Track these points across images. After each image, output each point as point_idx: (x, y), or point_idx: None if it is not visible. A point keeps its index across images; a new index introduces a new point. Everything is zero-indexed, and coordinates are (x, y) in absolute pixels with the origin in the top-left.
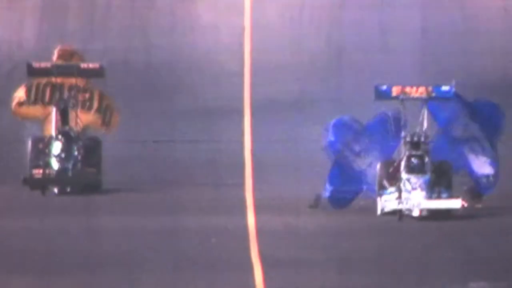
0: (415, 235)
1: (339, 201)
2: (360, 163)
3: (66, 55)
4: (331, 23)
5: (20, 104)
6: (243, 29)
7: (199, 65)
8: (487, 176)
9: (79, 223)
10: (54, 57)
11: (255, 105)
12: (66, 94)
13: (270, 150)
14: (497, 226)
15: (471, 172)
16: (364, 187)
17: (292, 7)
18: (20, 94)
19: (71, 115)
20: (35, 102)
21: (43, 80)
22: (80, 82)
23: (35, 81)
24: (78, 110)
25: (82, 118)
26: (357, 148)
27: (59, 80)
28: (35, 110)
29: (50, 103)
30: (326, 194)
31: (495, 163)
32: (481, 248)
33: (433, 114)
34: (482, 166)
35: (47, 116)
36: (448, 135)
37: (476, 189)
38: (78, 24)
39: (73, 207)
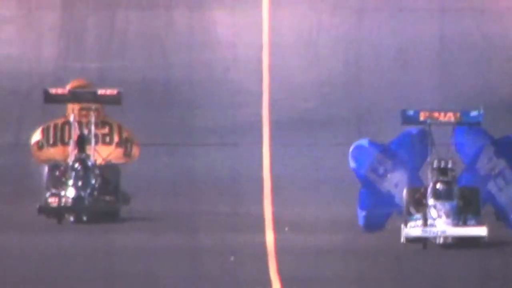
0: (436, 262)
1: (372, 225)
2: (387, 185)
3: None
4: (348, 42)
5: (40, 147)
6: (261, 47)
7: (218, 83)
8: None
9: (94, 242)
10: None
11: (274, 123)
12: (85, 131)
13: (289, 168)
14: None
15: (497, 208)
16: (393, 209)
17: (310, 26)
18: (37, 137)
19: (90, 150)
20: (54, 143)
21: (60, 121)
22: (98, 116)
23: (51, 123)
24: (99, 145)
25: (103, 152)
26: (381, 170)
27: (76, 117)
28: (55, 152)
29: (69, 142)
30: (359, 219)
31: None
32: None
33: (458, 150)
34: (508, 201)
35: (68, 157)
36: (474, 172)
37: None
38: (97, 43)
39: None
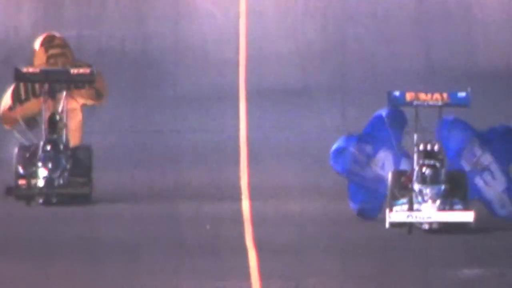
0: (420, 247)
1: (369, 212)
2: (373, 170)
3: (48, 41)
4: (327, 12)
5: (11, 109)
6: (238, 16)
7: (195, 52)
8: (502, 205)
9: (71, 209)
10: (38, 45)
11: (251, 93)
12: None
13: (265, 137)
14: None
15: (485, 201)
16: (385, 192)
17: None
18: (7, 101)
19: (65, 101)
20: (26, 99)
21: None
22: (67, 61)
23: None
24: (72, 90)
25: (78, 98)
26: (363, 158)
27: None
28: (28, 107)
29: (41, 94)
30: (355, 212)
31: (509, 190)
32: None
33: (443, 144)
34: (495, 195)
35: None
36: (459, 166)
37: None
38: (76, 11)
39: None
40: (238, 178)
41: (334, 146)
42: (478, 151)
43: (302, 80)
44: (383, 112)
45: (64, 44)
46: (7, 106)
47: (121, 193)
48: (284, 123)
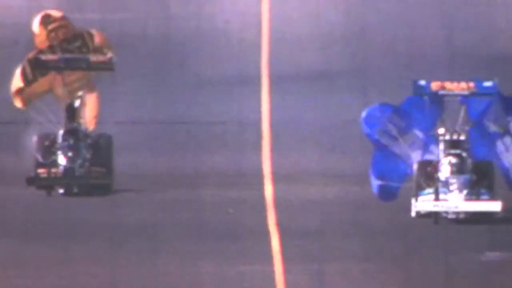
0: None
1: (388, 191)
2: (401, 146)
3: (45, 18)
4: None
5: (22, 89)
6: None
7: (218, 34)
8: None
9: (93, 195)
10: (36, 25)
11: (274, 76)
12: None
13: (288, 120)
14: None
15: (501, 166)
16: (409, 170)
17: None
18: (18, 83)
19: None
20: (34, 79)
21: (32, 54)
22: (67, 32)
23: (25, 61)
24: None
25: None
26: (394, 131)
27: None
28: (40, 86)
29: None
30: (373, 187)
31: None
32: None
33: (467, 108)
34: None
35: (55, 86)
36: (481, 128)
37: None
38: None
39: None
40: (260, 163)
41: (368, 108)
42: (501, 114)
43: (324, 63)
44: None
45: (61, 18)
46: (17, 87)
47: (142, 180)
48: (306, 106)
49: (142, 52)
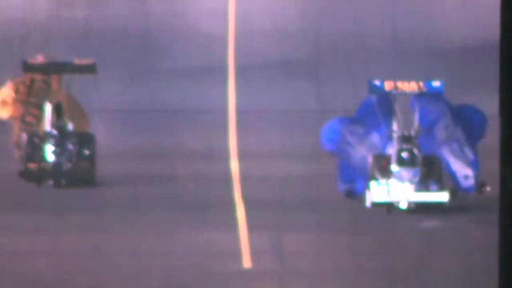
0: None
1: (356, 192)
2: (362, 150)
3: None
4: None
5: (4, 103)
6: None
7: (188, 30)
8: (466, 177)
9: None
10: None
11: (239, 70)
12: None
13: (253, 104)
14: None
15: (450, 173)
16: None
17: None
18: (5, 93)
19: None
20: (26, 99)
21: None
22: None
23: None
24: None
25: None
26: (354, 140)
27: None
28: (16, 110)
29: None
30: (341, 192)
31: (474, 165)
32: None
33: (418, 114)
34: (461, 167)
35: (17, 116)
36: (430, 135)
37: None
38: None
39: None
40: (227, 142)
41: (327, 125)
42: (450, 123)
43: (282, 55)
44: (373, 98)
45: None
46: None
47: (118, 155)
48: (268, 95)
49: (123, 44)
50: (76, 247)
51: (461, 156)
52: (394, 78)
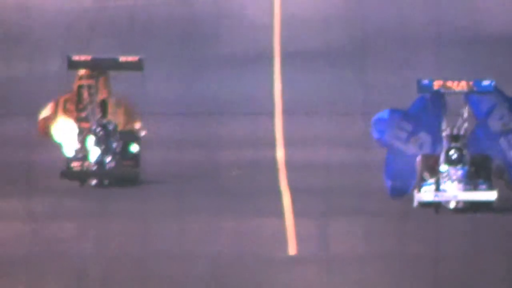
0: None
1: (400, 191)
2: (412, 148)
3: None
4: None
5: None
6: None
7: (234, 17)
8: None
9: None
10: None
11: (285, 57)
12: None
13: (298, 93)
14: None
15: (506, 164)
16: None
17: None
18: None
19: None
20: (77, 115)
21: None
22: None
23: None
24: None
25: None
26: (404, 135)
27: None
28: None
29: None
30: (387, 188)
31: None
32: None
33: (473, 107)
34: None
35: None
36: (486, 127)
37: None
38: None
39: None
40: (273, 129)
41: (378, 114)
42: (505, 114)
43: (327, 43)
44: (427, 95)
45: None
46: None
47: (165, 143)
48: (313, 81)
49: (168, 31)
50: (124, 234)
51: None
52: (438, 66)
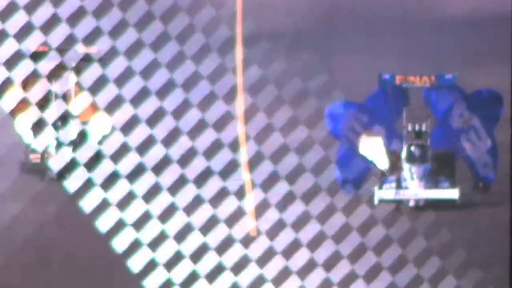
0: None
1: (352, 184)
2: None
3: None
4: None
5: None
6: None
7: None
8: (485, 165)
9: None
10: None
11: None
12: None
13: (258, 73)
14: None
15: (469, 162)
16: (371, 164)
17: None
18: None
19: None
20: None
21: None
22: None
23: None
24: None
25: None
26: (358, 127)
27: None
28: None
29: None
30: (337, 179)
31: (493, 151)
32: None
33: (431, 106)
34: (479, 155)
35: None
36: (446, 125)
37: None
38: None
39: None
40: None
41: (332, 106)
42: (464, 111)
43: (291, 26)
44: (386, 89)
45: None
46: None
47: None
48: (275, 63)
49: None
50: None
51: (478, 143)
52: (403, 51)
